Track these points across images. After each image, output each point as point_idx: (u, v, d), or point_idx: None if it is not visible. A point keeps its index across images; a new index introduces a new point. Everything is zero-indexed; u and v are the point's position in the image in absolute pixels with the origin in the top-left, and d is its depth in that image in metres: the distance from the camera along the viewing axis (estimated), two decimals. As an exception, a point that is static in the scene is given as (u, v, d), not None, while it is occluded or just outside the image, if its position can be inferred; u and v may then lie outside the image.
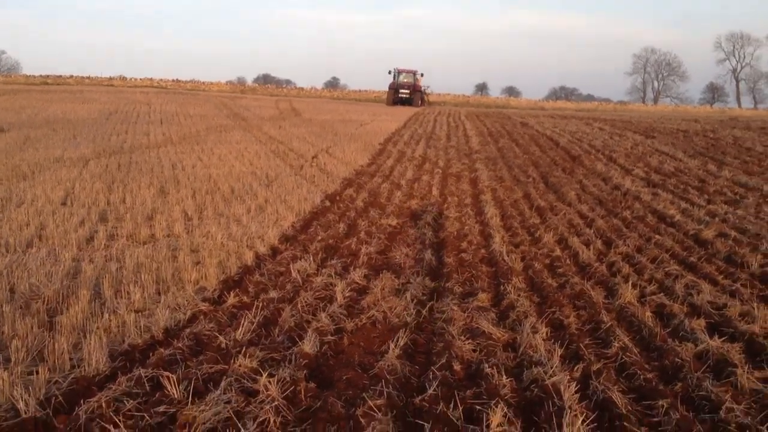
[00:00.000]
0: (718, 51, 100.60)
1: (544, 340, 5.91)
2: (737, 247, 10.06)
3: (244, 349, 5.36)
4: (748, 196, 14.96)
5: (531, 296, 7.63)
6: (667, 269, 8.96)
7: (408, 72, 57.51)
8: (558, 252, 9.82)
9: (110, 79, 70.04)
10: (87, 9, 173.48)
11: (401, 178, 16.86)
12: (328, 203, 13.16)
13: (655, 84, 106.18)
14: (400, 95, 55.91)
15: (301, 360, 5.14)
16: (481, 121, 38.77)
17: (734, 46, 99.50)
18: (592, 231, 11.32)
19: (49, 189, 13.45)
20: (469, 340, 5.86)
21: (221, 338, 5.63)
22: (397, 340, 5.67)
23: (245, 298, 6.95)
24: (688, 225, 11.74)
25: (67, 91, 50.37)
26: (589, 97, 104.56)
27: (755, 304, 7.17)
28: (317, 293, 7.15)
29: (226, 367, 5.04)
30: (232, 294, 6.96)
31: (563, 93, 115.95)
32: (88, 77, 69.89)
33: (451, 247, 9.93)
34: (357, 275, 7.92)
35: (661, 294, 7.72)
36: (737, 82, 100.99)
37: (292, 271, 7.93)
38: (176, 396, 4.54)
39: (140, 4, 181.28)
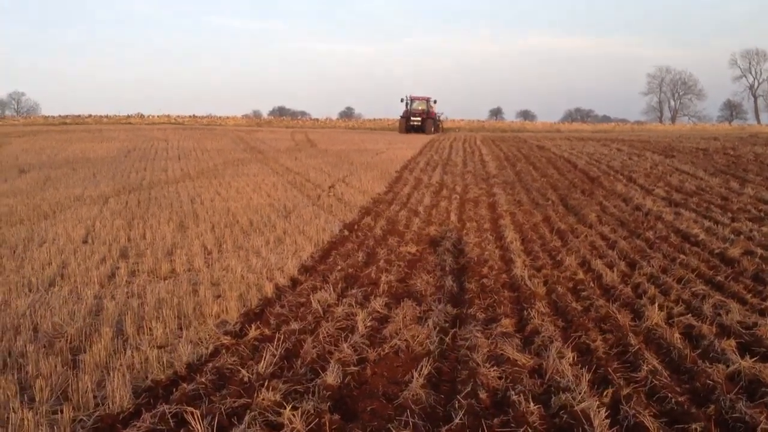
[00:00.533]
0: (734, 68, 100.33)
1: (570, 365, 5.80)
2: (764, 264, 9.90)
3: (266, 382, 5.31)
4: (772, 212, 14.75)
5: (555, 321, 7.52)
6: (693, 289, 8.81)
7: (421, 99, 57.42)
8: (581, 275, 9.70)
9: (128, 117, 70.97)
10: (102, 48, 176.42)
11: (419, 204, 16.82)
12: (346, 232, 13.15)
13: (672, 103, 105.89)
14: (411, 123, 55.72)
15: (324, 392, 5.08)
16: (497, 146, 38.76)
17: (750, 63, 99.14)
18: (615, 253, 11.19)
19: (70, 227, 13.56)
20: (494, 367, 5.76)
21: (244, 372, 5.58)
22: (421, 369, 5.60)
23: (267, 331, 6.90)
24: (713, 244, 11.58)
25: (86, 131, 51.03)
26: (606, 118, 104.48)
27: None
28: (338, 323, 7.09)
29: (250, 400, 4.99)
30: (253, 327, 6.91)
31: (579, 115, 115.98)
32: (107, 116, 70.87)
33: (471, 273, 9.85)
34: (378, 304, 7.86)
35: (689, 315, 7.58)
36: (755, 98, 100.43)
37: (313, 301, 7.88)
38: (200, 432, 4.50)
39: (152, 43, 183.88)
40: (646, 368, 5.81)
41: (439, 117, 59.23)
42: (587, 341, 6.61)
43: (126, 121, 68.21)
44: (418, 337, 6.50)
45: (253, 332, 6.78)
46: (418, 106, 56.98)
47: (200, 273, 9.92)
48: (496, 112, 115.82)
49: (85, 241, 12.47)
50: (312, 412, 4.67)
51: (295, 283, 9.28)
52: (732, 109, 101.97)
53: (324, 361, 5.93)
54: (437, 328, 6.92)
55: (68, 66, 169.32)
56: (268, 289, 8.64)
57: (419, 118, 55.58)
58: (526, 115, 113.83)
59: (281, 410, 4.70)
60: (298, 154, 33.13)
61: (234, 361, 5.93)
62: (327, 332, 6.74)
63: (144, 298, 8.35)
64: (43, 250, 11.38)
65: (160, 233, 13.03)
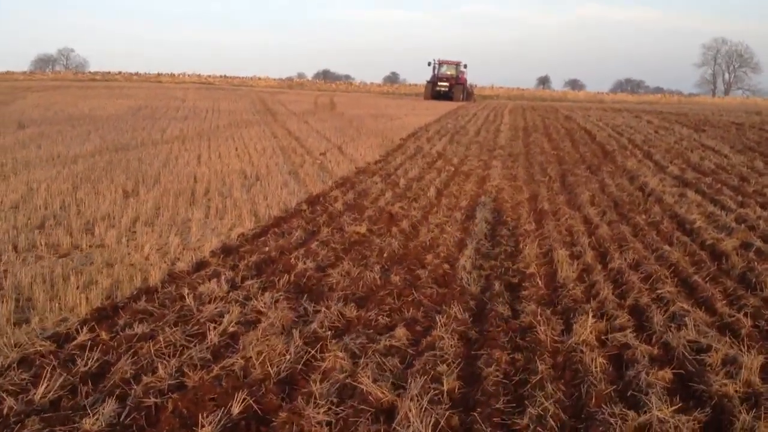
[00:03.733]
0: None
1: (434, 404, 4.46)
2: (757, 262, 8.40)
3: (23, 417, 4.10)
4: (792, 198, 13.03)
5: (466, 331, 6.16)
6: (659, 291, 7.39)
7: (450, 63, 54.16)
8: (533, 269, 8.25)
9: (158, 75, 70.20)
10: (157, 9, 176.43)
11: (403, 176, 15.43)
12: (304, 206, 11.87)
13: (726, 76, 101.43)
14: (438, 88, 52.51)
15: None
16: (522, 116, 36.91)
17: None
18: (589, 241, 9.75)
19: (11, 190, 12.54)
20: (332, 405, 4.45)
21: (9, 401, 4.37)
22: (231, 406, 4.32)
23: (104, 335, 5.66)
24: (707, 233, 10.06)
25: (107, 87, 50.44)
26: (658, 90, 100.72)
27: (745, 348, 5.56)
28: (196, 327, 5.86)
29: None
30: (86, 329, 5.69)
31: (629, 85, 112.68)
32: (137, 74, 70.21)
33: (409, 262, 8.53)
34: (264, 301, 6.58)
35: (631, 330, 6.15)
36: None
37: (186, 297, 6.63)
38: None
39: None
40: (534, 411, 4.45)
41: (472, 85, 56.30)
42: (483, 365, 5.24)
43: (155, 79, 67.46)
44: (265, 353, 5.20)
45: (83, 336, 5.57)
46: (447, 71, 53.73)
47: (104, 251, 8.79)
48: (544, 81, 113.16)
49: (14, 207, 11.41)
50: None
51: (199, 267, 8.03)
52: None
53: (128, 385, 4.70)
54: (303, 340, 5.60)
55: (119, 24, 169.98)
56: (154, 277, 7.43)
57: (447, 84, 52.32)
58: (574, 84, 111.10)
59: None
60: (310, 118, 31.85)
61: (23, 379, 4.73)
62: (170, 340, 5.51)
63: (2, 280, 7.20)
64: (-43, 216, 10.34)
65: (99, 200, 11.94)
